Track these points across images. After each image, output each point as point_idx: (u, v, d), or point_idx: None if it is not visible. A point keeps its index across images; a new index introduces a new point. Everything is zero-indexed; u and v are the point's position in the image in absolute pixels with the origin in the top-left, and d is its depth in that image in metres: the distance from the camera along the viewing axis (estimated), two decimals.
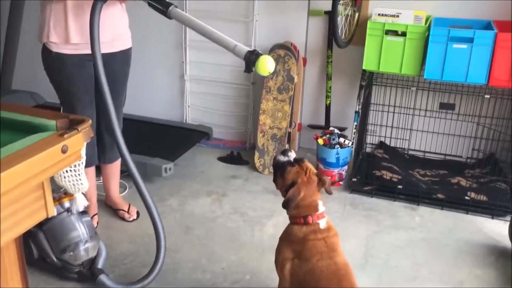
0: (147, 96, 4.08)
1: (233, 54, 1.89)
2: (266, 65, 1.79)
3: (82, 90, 2.48)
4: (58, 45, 2.37)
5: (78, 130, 1.44)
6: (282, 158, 2.02)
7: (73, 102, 2.48)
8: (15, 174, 1.25)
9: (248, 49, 1.84)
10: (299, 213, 1.96)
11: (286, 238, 2.02)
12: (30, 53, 3.97)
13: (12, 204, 1.36)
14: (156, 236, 2.21)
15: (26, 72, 4.16)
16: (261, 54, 1.80)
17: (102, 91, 2.12)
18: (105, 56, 2.46)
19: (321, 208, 1.98)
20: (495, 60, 2.87)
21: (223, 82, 3.85)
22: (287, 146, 3.56)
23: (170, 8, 1.93)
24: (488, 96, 3.16)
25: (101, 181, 2.96)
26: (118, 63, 2.55)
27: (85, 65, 2.44)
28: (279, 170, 2.02)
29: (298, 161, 2.01)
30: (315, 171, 2.02)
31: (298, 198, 1.92)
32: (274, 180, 2.07)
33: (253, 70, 1.83)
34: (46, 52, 2.42)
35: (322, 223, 1.96)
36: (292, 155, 2.03)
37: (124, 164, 2.21)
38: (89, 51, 2.37)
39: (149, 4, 1.99)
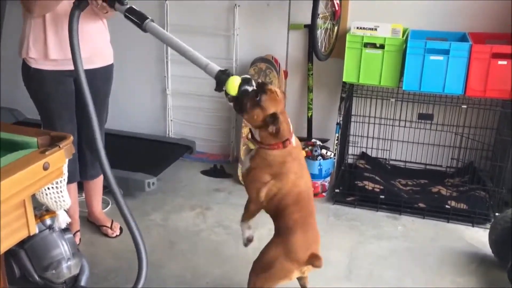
0: (129, 111, 4.07)
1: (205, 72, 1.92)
2: (236, 85, 1.84)
3: (62, 106, 2.47)
4: (37, 61, 2.37)
5: (59, 147, 1.44)
6: (249, 88, 1.89)
7: (53, 118, 2.47)
8: None
9: (220, 68, 1.87)
10: (280, 139, 1.98)
11: (263, 164, 2.02)
12: (10, 69, 3.94)
13: None
14: (137, 254, 2.19)
15: (6, 88, 4.12)
16: (232, 75, 1.85)
17: (86, 103, 2.07)
18: (86, 73, 2.46)
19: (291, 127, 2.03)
20: (471, 71, 2.94)
21: (205, 96, 3.86)
22: None
23: (146, 21, 1.93)
24: (465, 106, 3.23)
25: (83, 197, 2.93)
26: (99, 79, 2.54)
27: (65, 81, 2.43)
28: (250, 100, 1.92)
29: (264, 87, 1.95)
30: (278, 89, 2.01)
31: (283, 126, 1.94)
32: (243, 111, 1.96)
33: (224, 89, 1.87)
34: (26, 68, 2.41)
35: (293, 140, 2.04)
36: (253, 82, 1.92)
37: (106, 182, 2.18)
38: (68, 67, 2.37)
39: (125, 16, 1.98)
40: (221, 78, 1.86)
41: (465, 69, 2.95)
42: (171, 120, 4.03)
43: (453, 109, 3.36)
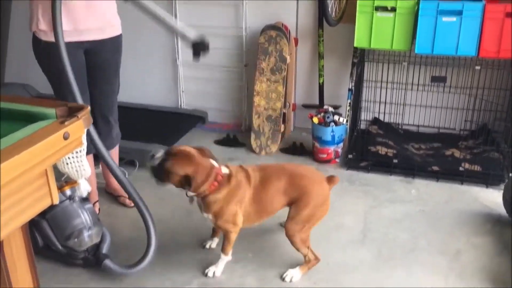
0: (141, 83, 4.08)
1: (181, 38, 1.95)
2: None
3: (74, 78, 2.49)
4: (47, 33, 2.37)
5: (78, 117, 1.46)
6: (155, 162, 2.15)
7: (66, 91, 2.49)
8: (18, 162, 1.27)
9: (196, 35, 1.95)
10: (209, 181, 2.15)
11: (219, 205, 2.20)
12: (21, 45, 3.96)
13: (17, 192, 1.39)
14: (144, 224, 2.28)
15: (18, 64, 4.15)
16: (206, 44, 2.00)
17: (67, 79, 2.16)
18: (95, 44, 2.48)
19: (215, 163, 2.21)
20: (485, 31, 2.90)
21: (216, 66, 3.86)
22: (282, 127, 3.59)
23: None
24: (478, 67, 3.20)
25: (100, 169, 2.98)
26: (109, 50, 2.55)
27: (76, 53, 2.44)
28: (163, 172, 2.13)
29: (170, 153, 2.15)
30: (187, 148, 2.17)
31: (200, 179, 2.11)
32: (161, 182, 2.17)
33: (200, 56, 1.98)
34: (36, 41, 2.42)
35: (224, 170, 2.24)
36: (160, 153, 2.17)
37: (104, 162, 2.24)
38: (78, 39, 2.40)
39: None
40: (198, 46, 2.01)
41: (479, 30, 2.91)
42: (182, 91, 4.04)
43: (466, 71, 3.33)
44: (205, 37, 1.98)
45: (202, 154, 2.20)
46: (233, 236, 2.30)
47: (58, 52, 2.16)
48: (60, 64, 2.29)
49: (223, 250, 2.33)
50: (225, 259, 2.35)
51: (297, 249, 2.30)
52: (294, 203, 2.26)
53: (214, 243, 2.55)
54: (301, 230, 2.25)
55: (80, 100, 2.20)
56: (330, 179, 2.34)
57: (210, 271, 2.34)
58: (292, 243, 2.28)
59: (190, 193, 2.20)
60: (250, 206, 2.25)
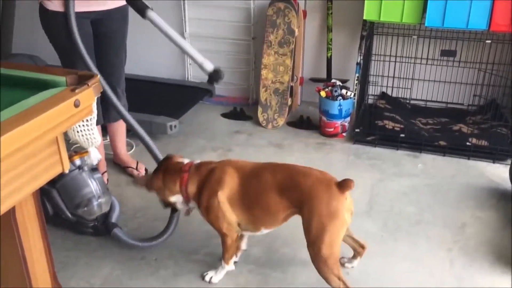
0: (148, 56, 4.06)
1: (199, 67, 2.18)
2: None
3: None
4: (54, 3, 2.36)
5: (88, 85, 1.47)
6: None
7: (73, 61, 2.48)
8: (31, 128, 1.29)
9: (214, 67, 2.14)
10: (177, 180, 2.06)
11: (208, 193, 2.02)
12: (29, 16, 3.94)
13: (29, 158, 1.41)
14: None
15: (26, 35, 4.14)
16: (222, 74, 2.15)
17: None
18: (101, 14, 2.47)
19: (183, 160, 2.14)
20: (496, 5, 2.86)
21: (223, 38, 3.84)
22: (289, 101, 3.58)
23: (147, 10, 2.16)
24: (489, 42, 3.16)
25: (108, 140, 3.00)
26: (115, 20, 2.55)
27: (83, 23, 2.43)
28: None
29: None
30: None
31: (155, 182, 2.09)
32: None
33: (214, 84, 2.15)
34: (43, 11, 2.42)
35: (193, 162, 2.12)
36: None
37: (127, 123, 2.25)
38: (85, 9, 2.39)
39: (128, 1, 2.21)
40: (214, 76, 2.14)
41: (490, 3, 2.87)
42: (189, 64, 4.03)
43: (477, 45, 3.29)
44: (220, 68, 2.13)
45: (167, 162, 2.14)
46: (228, 240, 2.07)
47: (69, 24, 2.16)
48: (69, 35, 2.29)
49: (222, 257, 2.14)
50: (225, 268, 2.16)
51: (324, 279, 1.92)
52: (301, 210, 1.92)
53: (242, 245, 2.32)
54: (318, 249, 1.85)
55: (95, 70, 2.21)
56: (343, 184, 1.88)
57: (208, 275, 2.16)
58: (316, 268, 1.92)
59: (178, 204, 2.13)
60: (240, 202, 1.99)
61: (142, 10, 2.13)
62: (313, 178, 1.92)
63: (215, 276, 2.16)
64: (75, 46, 2.21)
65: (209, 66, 2.12)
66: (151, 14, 2.13)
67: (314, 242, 1.87)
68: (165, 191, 2.09)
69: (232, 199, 1.99)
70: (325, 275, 1.90)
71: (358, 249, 2.19)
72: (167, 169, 2.10)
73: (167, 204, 2.16)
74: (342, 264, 2.19)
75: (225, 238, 2.08)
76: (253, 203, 1.98)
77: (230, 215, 2.01)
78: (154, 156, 2.31)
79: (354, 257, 2.22)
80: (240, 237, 2.24)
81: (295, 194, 1.91)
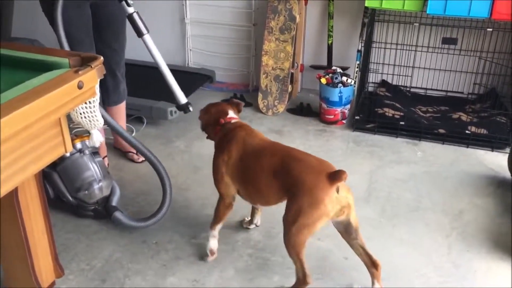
0: None
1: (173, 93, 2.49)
2: None
3: (81, 31, 2.48)
4: None
5: (91, 67, 1.47)
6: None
7: (74, 44, 2.47)
8: (35, 109, 1.30)
9: (186, 101, 2.50)
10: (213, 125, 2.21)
11: (216, 152, 2.14)
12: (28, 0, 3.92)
13: (33, 139, 1.42)
14: (160, 179, 2.32)
15: (26, 19, 4.12)
16: (189, 110, 2.51)
17: None
18: None
19: (231, 113, 2.22)
20: None
21: (224, 24, 3.83)
22: (290, 87, 3.58)
23: (145, 34, 2.39)
24: (490, 30, 3.16)
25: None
26: (115, 4, 2.53)
27: (82, 5, 2.43)
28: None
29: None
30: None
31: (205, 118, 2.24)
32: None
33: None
34: None
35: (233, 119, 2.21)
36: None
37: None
38: None
39: (129, 18, 2.35)
40: (183, 109, 2.51)
41: None
42: (190, 50, 4.02)
43: (478, 33, 3.29)
44: (190, 104, 2.51)
45: (227, 105, 2.26)
46: (221, 203, 2.13)
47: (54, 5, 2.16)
48: (69, 19, 2.29)
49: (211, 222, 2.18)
50: (210, 233, 2.18)
51: (289, 255, 1.94)
52: (287, 195, 1.90)
53: (255, 219, 2.39)
54: (291, 228, 1.84)
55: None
56: (333, 175, 1.81)
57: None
58: (285, 244, 1.92)
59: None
60: (237, 174, 2.04)
61: (140, 32, 2.37)
62: (305, 164, 1.89)
63: (207, 246, 2.19)
64: (55, 26, 2.21)
65: (183, 99, 2.49)
66: (146, 37, 2.39)
67: (287, 225, 1.87)
68: (208, 128, 2.25)
69: (231, 168, 2.06)
70: (290, 257, 1.92)
71: (370, 268, 1.99)
72: (216, 112, 2.22)
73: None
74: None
75: (220, 199, 2.14)
76: (248, 180, 2.03)
77: (228, 180, 2.07)
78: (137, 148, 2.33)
79: (372, 281, 2.01)
80: (256, 211, 2.37)
81: (286, 179, 1.89)
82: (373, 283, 2.01)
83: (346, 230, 1.96)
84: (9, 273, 1.94)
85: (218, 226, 2.18)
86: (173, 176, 2.79)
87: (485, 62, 3.36)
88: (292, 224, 1.84)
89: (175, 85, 2.48)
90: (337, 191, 1.82)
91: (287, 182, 1.88)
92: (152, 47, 2.41)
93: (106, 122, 2.16)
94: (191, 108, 2.51)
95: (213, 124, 2.19)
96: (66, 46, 2.18)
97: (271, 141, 2.12)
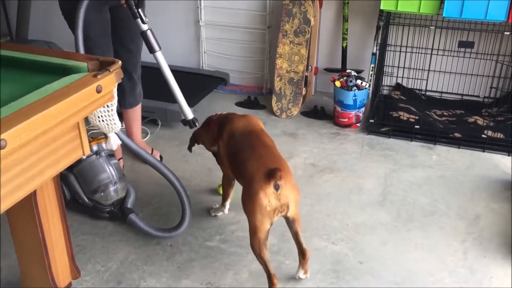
0: (163, 43, 3.99)
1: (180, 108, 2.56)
2: None
3: (100, 34, 2.51)
4: None
5: (110, 70, 1.49)
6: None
7: (92, 47, 2.50)
8: (55, 113, 1.31)
9: (193, 117, 2.56)
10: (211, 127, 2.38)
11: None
12: (45, 2, 3.97)
13: (52, 142, 1.44)
14: (179, 197, 2.32)
15: (43, 21, 4.17)
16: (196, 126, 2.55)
17: None
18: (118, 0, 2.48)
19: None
20: None
21: (238, 27, 3.84)
22: (304, 90, 3.58)
23: (158, 51, 2.45)
24: (508, 33, 3.13)
25: (123, 126, 3.03)
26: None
27: (101, 9, 2.46)
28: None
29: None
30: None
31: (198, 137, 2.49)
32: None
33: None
34: None
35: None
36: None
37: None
38: None
39: (142, 35, 2.41)
40: (189, 124, 2.55)
41: None
42: (204, 52, 4.04)
43: (494, 37, 3.26)
44: (196, 120, 2.56)
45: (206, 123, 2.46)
46: (224, 179, 2.42)
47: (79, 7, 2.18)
48: (87, 20, 2.30)
49: None
50: (222, 207, 2.50)
51: None
52: None
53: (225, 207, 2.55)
54: (249, 229, 1.98)
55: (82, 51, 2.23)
56: (270, 172, 1.86)
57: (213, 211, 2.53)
58: None
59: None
60: (226, 153, 2.22)
61: (152, 49, 2.43)
62: (255, 156, 2.00)
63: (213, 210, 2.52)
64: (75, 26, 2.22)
65: (190, 115, 2.55)
66: (158, 54, 2.46)
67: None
68: (206, 142, 2.45)
69: (224, 149, 2.23)
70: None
71: (299, 255, 2.07)
72: (205, 126, 2.44)
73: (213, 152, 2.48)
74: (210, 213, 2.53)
75: (223, 177, 2.43)
76: (233, 162, 2.16)
77: (225, 162, 2.24)
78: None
79: (297, 269, 2.10)
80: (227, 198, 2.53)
81: (241, 166, 2.05)
82: (297, 271, 2.10)
83: (286, 221, 2.02)
84: (26, 274, 1.96)
85: (226, 203, 2.49)
86: (187, 178, 2.82)
87: (502, 65, 3.32)
88: (248, 220, 1.96)
89: (182, 101, 2.54)
90: (276, 188, 1.86)
91: (242, 169, 2.03)
92: (163, 63, 2.49)
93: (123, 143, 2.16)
94: (197, 124, 2.56)
95: (206, 127, 2.40)
96: (82, 50, 2.20)
97: (253, 127, 2.22)
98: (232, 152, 2.16)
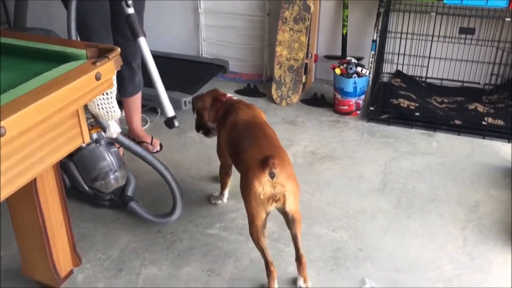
0: (163, 32, 4.05)
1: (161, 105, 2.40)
2: None
3: (99, 23, 2.49)
4: None
5: (109, 58, 1.48)
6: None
7: (91, 35, 2.50)
8: (55, 100, 1.31)
9: (173, 114, 2.38)
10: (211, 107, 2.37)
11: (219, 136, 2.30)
12: None
13: (51, 130, 1.43)
14: (168, 186, 2.26)
15: (41, 9, 4.14)
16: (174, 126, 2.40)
17: None
18: None
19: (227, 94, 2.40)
20: None
21: (238, 14, 3.81)
22: (304, 78, 3.57)
23: (140, 37, 2.29)
24: (509, 19, 3.11)
25: (123, 115, 3.02)
26: None
27: None
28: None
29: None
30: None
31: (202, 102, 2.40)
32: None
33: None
34: None
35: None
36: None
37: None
38: None
39: (126, 19, 2.29)
40: (169, 122, 2.38)
41: None
42: (203, 40, 4.01)
43: (496, 23, 3.24)
44: (176, 120, 2.40)
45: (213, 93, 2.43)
46: (222, 173, 2.42)
47: None
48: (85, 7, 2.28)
49: None
50: (220, 195, 2.52)
51: None
52: None
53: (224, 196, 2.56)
54: (247, 216, 1.97)
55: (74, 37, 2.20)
56: (263, 160, 1.84)
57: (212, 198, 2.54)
58: None
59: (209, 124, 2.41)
60: (227, 142, 2.20)
61: (135, 35, 2.29)
62: (255, 150, 1.95)
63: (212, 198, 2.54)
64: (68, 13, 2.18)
65: (171, 112, 2.39)
66: (141, 40, 2.30)
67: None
68: (206, 113, 2.38)
69: (225, 139, 2.22)
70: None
71: (296, 261, 2.02)
72: (213, 96, 2.39)
73: (200, 127, 2.47)
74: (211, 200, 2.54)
75: (220, 166, 2.42)
76: (234, 151, 2.14)
77: (225, 152, 2.25)
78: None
79: (297, 276, 2.04)
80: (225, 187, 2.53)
81: (241, 155, 2.03)
82: (297, 280, 2.03)
83: (286, 219, 1.98)
84: (27, 261, 1.97)
85: (225, 192, 2.49)
86: (186, 167, 2.82)
87: (502, 52, 3.31)
88: (246, 208, 1.96)
89: (164, 96, 2.40)
90: (272, 176, 1.84)
91: (241, 158, 2.02)
92: (146, 51, 2.34)
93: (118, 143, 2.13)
94: (176, 123, 2.40)
95: (213, 104, 2.35)
96: (74, 35, 2.17)
97: (257, 119, 2.20)
98: (233, 142, 2.14)
